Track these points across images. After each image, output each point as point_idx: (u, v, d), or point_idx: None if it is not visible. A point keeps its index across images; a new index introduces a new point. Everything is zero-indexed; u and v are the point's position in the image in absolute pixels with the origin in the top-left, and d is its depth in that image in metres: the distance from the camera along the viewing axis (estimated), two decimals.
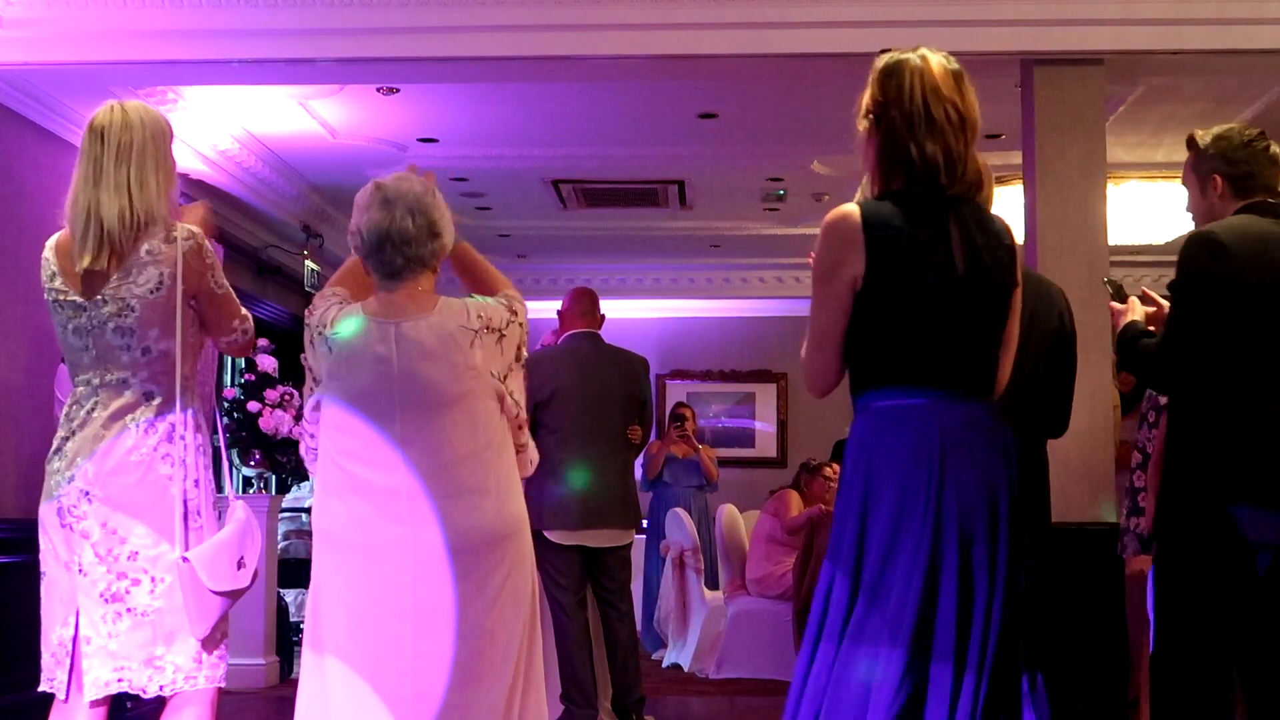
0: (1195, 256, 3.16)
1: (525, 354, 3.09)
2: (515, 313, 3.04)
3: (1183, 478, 3.21)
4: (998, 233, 2.64)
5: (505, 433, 3.00)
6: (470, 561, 2.87)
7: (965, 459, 2.50)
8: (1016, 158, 5.84)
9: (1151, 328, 3.35)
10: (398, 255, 2.95)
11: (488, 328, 2.96)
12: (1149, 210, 7.74)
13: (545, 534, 5.10)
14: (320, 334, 2.96)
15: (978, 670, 2.46)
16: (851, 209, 2.57)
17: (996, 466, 2.53)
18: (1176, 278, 3.22)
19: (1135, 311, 3.41)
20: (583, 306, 5.56)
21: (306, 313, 3.04)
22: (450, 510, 2.86)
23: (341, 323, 2.95)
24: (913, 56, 2.62)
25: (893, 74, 2.61)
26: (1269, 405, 3.10)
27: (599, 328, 5.57)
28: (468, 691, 2.84)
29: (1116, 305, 3.46)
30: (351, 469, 2.90)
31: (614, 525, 5.36)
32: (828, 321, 2.58)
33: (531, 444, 3.13)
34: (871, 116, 2.63)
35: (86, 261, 3.03)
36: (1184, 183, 3.45)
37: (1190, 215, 3.45)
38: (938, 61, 2.61)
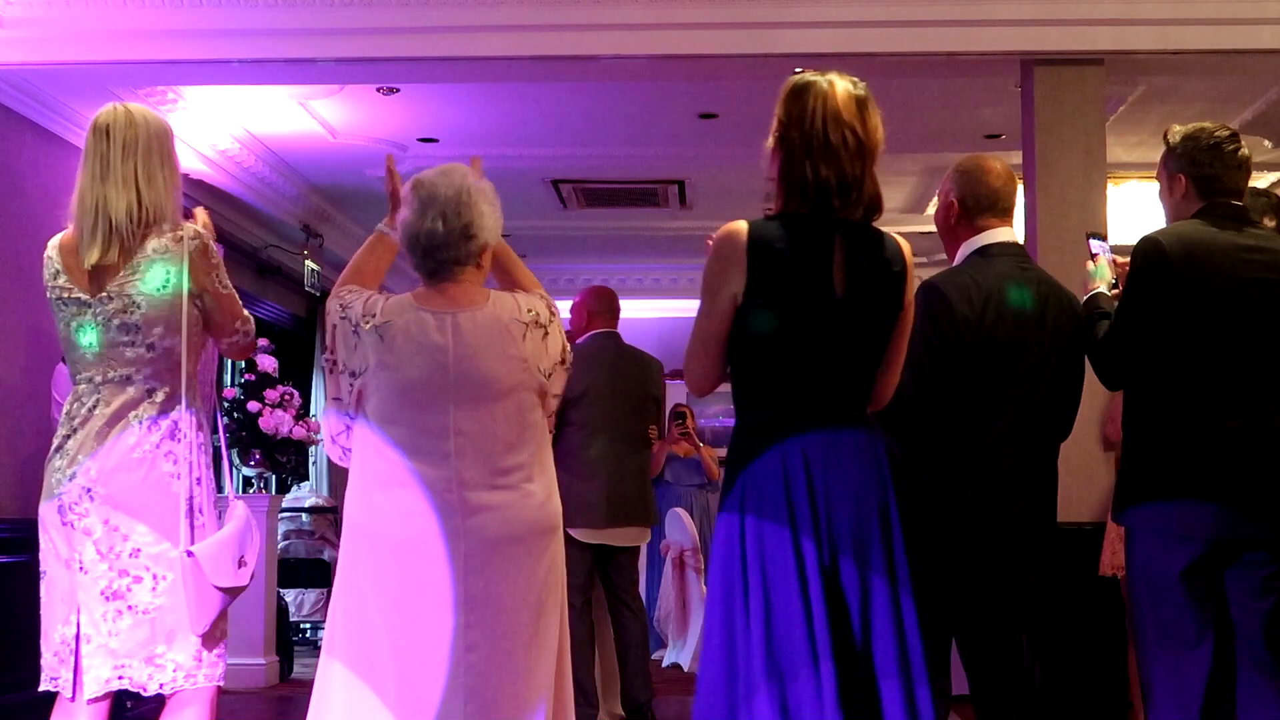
0: (1136, 262, 3.23)
1: (569, 355, 3.07)
2: (554, 312, 3.05)
3: (1126, 474, 3.28)
4: (887, 258, 2.67)
5: (546, 427, 3.03)
6: (519, 550, 2.89)
7: (834, 473, 2.56)
8: (1016, 158, 5.83)
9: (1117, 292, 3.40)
10: (429, 259, 2.95)
11: (535, 322, 2.98)
12: (1149, 210, 7.71)
13: (569, 531, 5.08)
14: (369, 323, 2.91)
15: (874, 678, 2.50)
16: (741, 226, 2.63)
17: (868, 479, 2.59)
18: (1125, 280, 3.28)
19: (1104, 278, 3.44)
20: (605, 306, 5.58)
21: (339, 306, 2.96)
22: (501, 501, 2.88)
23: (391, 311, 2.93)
24: (820, 80, 2.66)
25: (799, 96, 2.66)
26: (1231, 419, 3.14)
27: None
28: (525, 676, 2.87)
29: (1090, 266, 3.50)
30: (399, 460, 2.88)
31: (636, 523, 5.37)
32: (711, 331, 2.66)
33: None
34: (776, 136, 2.68)
35: (95, 257, 3.03)
36: (1157, 178, 3.47)
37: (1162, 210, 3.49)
38: (843, 87, 2.66)
